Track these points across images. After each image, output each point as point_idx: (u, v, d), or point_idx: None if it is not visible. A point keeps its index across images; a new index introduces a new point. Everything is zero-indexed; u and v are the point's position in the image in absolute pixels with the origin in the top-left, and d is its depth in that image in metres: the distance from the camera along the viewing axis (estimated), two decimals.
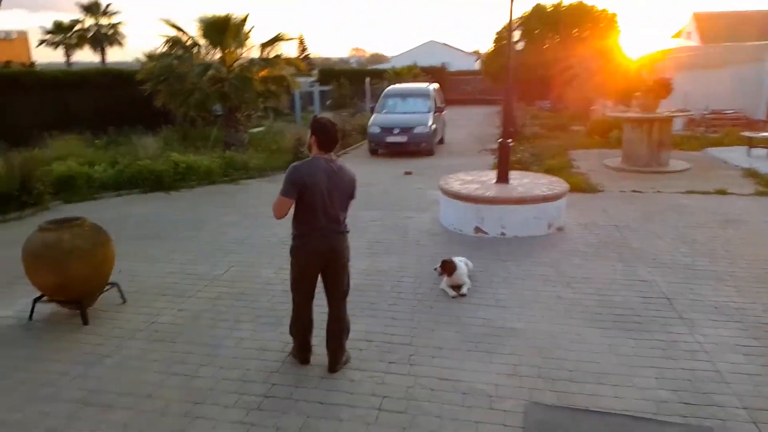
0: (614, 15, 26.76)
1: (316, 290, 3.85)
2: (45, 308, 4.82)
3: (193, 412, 3.40)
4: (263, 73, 13.47)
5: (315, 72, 35.93)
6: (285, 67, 13.86)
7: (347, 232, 3.80)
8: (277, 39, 13.68)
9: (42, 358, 4.08)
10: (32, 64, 30.19)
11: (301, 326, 3.87)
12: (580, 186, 9.44)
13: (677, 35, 33.99)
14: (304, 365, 3.92)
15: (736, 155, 11.82)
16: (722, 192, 8.90)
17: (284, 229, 7.46)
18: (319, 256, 3.69)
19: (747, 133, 12.41)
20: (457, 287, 5.20)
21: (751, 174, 10.11)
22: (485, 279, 5.55)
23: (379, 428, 3.27)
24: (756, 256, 6.05)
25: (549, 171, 10.06)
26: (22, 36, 33.27)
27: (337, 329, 3.84)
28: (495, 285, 5.40)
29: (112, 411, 3.41)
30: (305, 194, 3.52)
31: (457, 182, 7.77)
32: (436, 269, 5.34)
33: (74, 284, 4.48)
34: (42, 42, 35.36)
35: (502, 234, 6.99)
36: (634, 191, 9.28)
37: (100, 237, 4.75)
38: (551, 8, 27.31)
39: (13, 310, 4.91)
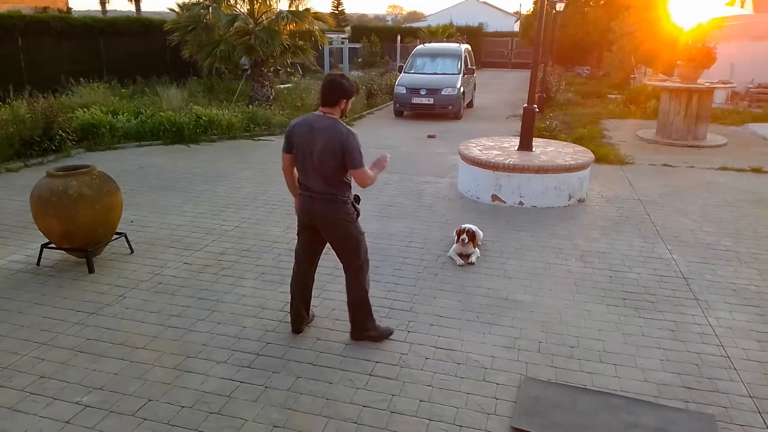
0: None
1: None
2: (54, 255, 4.90)
3: (183, 366, 3.42)
4: (291, 27, 13.23)
5: (348, 28, 35.28)
6: (314, 22, 13.57)
7: (346, 201, 3.49)
8: None
9: (44, 303, 4.15)
10: (69, 10, 30.27)
11: (293, 287, 3.81)
12: (609, 157, 9.11)
13: (731, 3, 32.07)
14: (295, 334, 3.82)
15: None
16: (757, 170, 8.46)
17: None
18: (307, 219, 3.57)
19: None
20: (465, 255, 5.08)
21: None
22: (496, 249, 5.42)
23: (367, 393, 3.23)
24: None
25: (578, 140, 9.72)
26: None
27: (349, 300, 3.73)
28: (505, 255, 5.26)
29: (104, 361, 3.45)
30: (295, 150, 3.45)
31: (478, 148, 7.54)
32: (464, 239, 5.03)
33: (80, 232, 4.51)
34: None
35: (520, 203, 6.79)
36: (664, 165, 8.90)
37: (108, 186, 4.75)
38: None
39: (22, 255, 5.00)
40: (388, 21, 73.26)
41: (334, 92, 3.38)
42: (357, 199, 3.60)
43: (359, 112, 14.40)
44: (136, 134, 10.04)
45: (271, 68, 13.86)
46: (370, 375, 3.40)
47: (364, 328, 3.74)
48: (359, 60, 26.58)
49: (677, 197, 7.19)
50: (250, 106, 12.39)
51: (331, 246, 3.65)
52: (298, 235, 3.74)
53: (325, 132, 3.34)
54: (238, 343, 3.69)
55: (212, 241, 5.49)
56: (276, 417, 3.00)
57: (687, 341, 3.83)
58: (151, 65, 15.33)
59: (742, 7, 28.85)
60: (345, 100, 3.42)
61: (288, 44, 13.09)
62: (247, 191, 7.26)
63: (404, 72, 15.07)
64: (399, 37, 25.46)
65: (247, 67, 14.46)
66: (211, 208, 6.50)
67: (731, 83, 12.25)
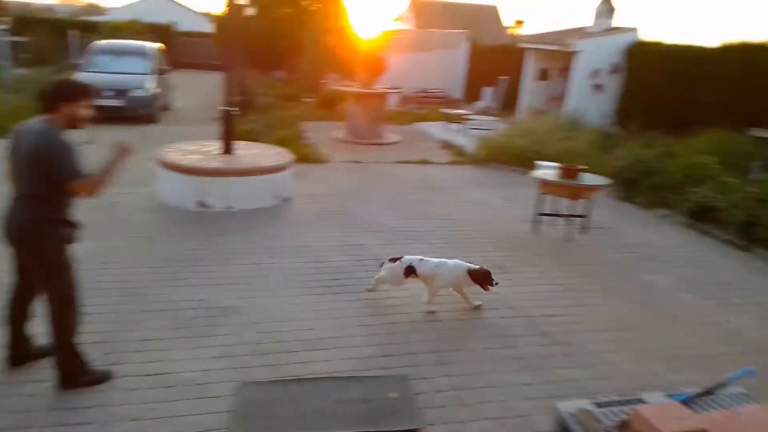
0: None
1: None
2: None
3: None
4: None
5: (8, 19, 29.57)
6: None
7: (49, 220, 3.00)
8: None
9: None
10: None
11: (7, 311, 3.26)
12: (309, 157, 9.67)
13: (399, 19, 37.41)
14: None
15: (437, 129, 13.58)
16: (424, 162, 10.10)
17: None
18: (3, 236, 3.04)
19: (444, 110, 14.36)
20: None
21: (446, 146, 11.72)
22: (205, 257, 5.24)
23: None
24: (444, 217, 7.01)
25: (280, 142, 10.05)
26: None
27: (52, 343, 3.15)
28: (215, 262, 5.13)
29: None
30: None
31: (178, 153, 7.16)
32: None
33: None
34: None
35: (229, 207, 6.71)
36: (355, 162, 9.90)
37: None
38: None
39: None
40: (61, 13, 63.79)
41: (48, 96, 2.94)
42: (70, 223, 3.08)
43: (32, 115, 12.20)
44: None
45: None
46: (59, 425, 2.91)
47: (73, 374, 3.18)
48: (27, 56, 22.51)
49: (366, 189, 8.10)
50: None
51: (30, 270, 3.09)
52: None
53: (28, 137, 2.88)
54: None
55: None
56: None
57: (381, 314, 4.35)
58: None
59: (407, 23, 33.97)
60: (65, 103, 2.93)
61: None
62: None
63: (82, 71, 13.29)
64: (76, 33, 22.42)
65: None
66: None
67: (401, 89, 14.33)
